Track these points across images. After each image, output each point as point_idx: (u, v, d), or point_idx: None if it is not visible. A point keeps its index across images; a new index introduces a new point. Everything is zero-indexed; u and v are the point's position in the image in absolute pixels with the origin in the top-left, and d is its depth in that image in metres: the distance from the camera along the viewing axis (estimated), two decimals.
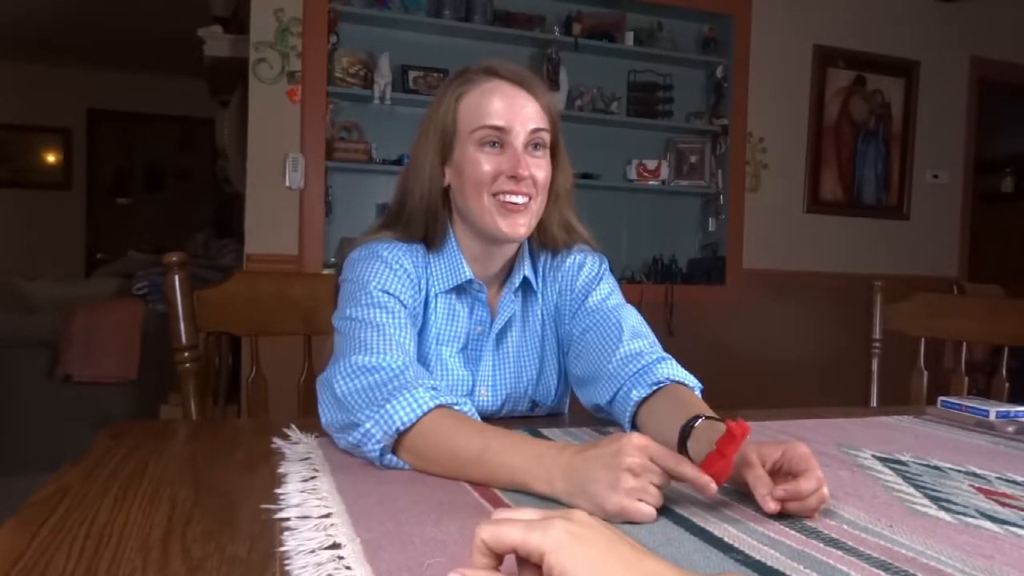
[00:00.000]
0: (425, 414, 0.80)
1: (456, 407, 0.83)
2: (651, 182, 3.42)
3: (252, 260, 2.88)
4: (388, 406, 0.80)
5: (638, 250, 3.50)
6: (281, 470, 0.77)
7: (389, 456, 0.81)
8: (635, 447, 0.67)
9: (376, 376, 0.86)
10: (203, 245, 4.56)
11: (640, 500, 0.65)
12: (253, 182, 2.90)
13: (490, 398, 1.10)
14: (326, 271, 2.95)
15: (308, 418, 1.25)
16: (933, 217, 3.98)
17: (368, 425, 0.80)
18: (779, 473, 0.71)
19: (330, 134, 2.99)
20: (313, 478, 0.75)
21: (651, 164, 3.41)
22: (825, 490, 0.69)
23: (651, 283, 3.36)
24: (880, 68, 3.82)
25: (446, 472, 0.78)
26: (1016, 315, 1.54)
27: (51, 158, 6.63)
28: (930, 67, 3.91)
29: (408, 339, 0.94)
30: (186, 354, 1.25)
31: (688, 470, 0.68)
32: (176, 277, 1.25)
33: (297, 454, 0.84)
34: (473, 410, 0.85)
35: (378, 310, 0.95)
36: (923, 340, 1.64)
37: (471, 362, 1.10)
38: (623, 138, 3.45)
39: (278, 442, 0.89)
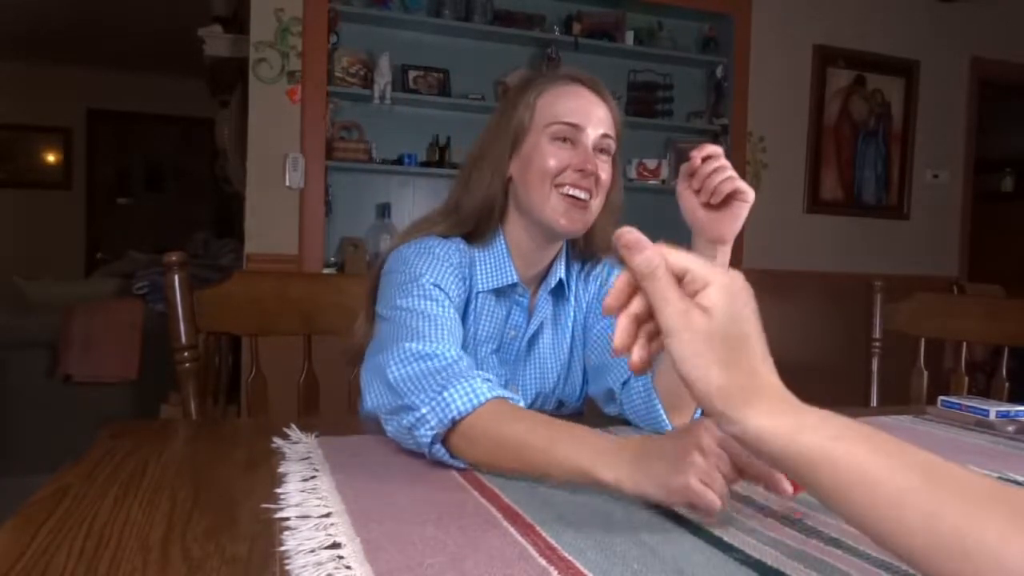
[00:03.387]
0: (483, 404, 0.79)
1: (512, 400, 0.82)
2: (651, 182, 3.42)
3: (252, 260, 2.88)
4: (446, 393, 0.79)
5: None
6: (281, 470, 0.77)
7: (438, 446, 0.80)
8: (707, 430, 0.65)
9: (431, 363, 0.84)
10: (203, 245, 4.56)
11: (706, 485, 0.63)
12: (253, 182, 2.90)
13: (519, 398, 1.12)
14: (326, 271, 2.95)
15: (308, 418, 1.25)
16: (933, 217, 3.98)
17: (424, 410, 0.79)
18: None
19: (330, 134, 3.00)
20: (313, 478, 0.75)
21: (651, 164, 3.41)
22: None
23: None
24: (880, 68, 3.82)
25: (500, 462, 0.77)
26: (1016, 315, 1.54)
27: (51, 158, 6.63)
28: (930, 67, 3.91)
29: (459, 331, 0.95)
30: (186, 354, 1.25)
31: (756, 462, 0.64)
32: (176, 277, 1.24)
33: (297, 454, 0.84)
34: (525, 405, 0.84)
35: (430, 302, 0.95)
36: (923, 340, 1.64)
37: (504, 363, 1.11)
38: (623, 137, 3.44)
39: (278, 442, 0.89)
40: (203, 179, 6.42)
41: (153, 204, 6.90)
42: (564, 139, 1.03)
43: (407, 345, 0.87)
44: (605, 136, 1.05)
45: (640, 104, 3.47)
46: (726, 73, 3.53)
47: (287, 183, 2.89)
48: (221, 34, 3.34)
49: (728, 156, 0.96)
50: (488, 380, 0.83)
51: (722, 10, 3.50)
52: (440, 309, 0.95)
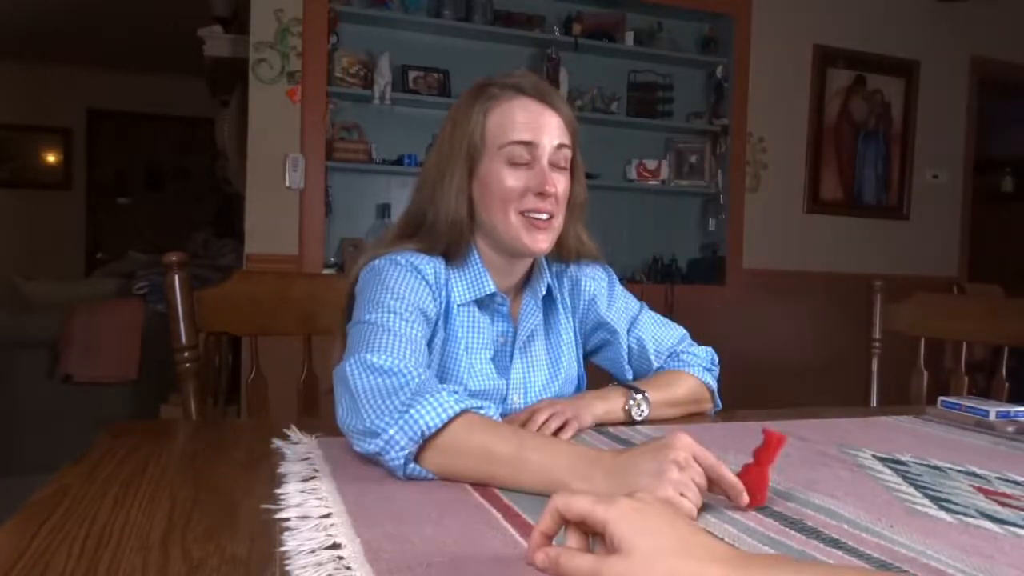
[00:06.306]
0: (452, 418, 0.77)
1: (482, 411, 0.81)
2: (651, 182, 3.42)
3: (252, 260, 2.88)
4: (412, 411, 0.77)
5: (638, 250, 3.50)
6: (281, 470, 0.77)
7: (413, 465, 0.77)
8: (682, 443, 0.69)
9: (392, 380, 0.82)
10: (203, 245, 4.57)
11: (683, 496, 0.67)
12: (253, 182, 2.90)
13: (522, 404, 1.11)
14: (326, 271, 2.95)
15: (308, 418, 1.25)
16: (933, 217, 3.98)
17: (392, 431, 0.76)
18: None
19: (330, 134, 2.99)
20: (313, 478, 0.75)
21: (651, 164, 3.41)
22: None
23: (651, 283, 3.36)
24: (880, 68, 3.82)
25: (475, 474, 0.76)
26: (1016, 315, 1.54)
27: (51, 158, 6.63)
28: (930, 67, 3.91)
29: (423, 349, 0.92)
30: (186, 354, 1.25)
31: (726, 474, 0.69)
32: (176, 277, 1.24)
33: (297, 454, 0.84)
34: (497, 415, 0.83)
35: (394, 316, 0.93)
36: (923, 340, 1.64)
37: (502, 371, 1.11)
38: (623, 138, 3.45)
39: (278, 442, 0.89)
40: (203, 179, 6.40)
41: (153, 204, 6.90)
42: (520, 159, 1.01)
43: (366, 356, 0.85)
44: (560, 147, 1.03)
45: (640, 104, 3.47)
46: (726, 73, 3.52)
47: (287, 183, 2.89)
48: (221, 34, 3.34)
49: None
50: (454, 393, 0.81)
51: (722, 10, 3.50)
52: (405, 325, 0.93)
